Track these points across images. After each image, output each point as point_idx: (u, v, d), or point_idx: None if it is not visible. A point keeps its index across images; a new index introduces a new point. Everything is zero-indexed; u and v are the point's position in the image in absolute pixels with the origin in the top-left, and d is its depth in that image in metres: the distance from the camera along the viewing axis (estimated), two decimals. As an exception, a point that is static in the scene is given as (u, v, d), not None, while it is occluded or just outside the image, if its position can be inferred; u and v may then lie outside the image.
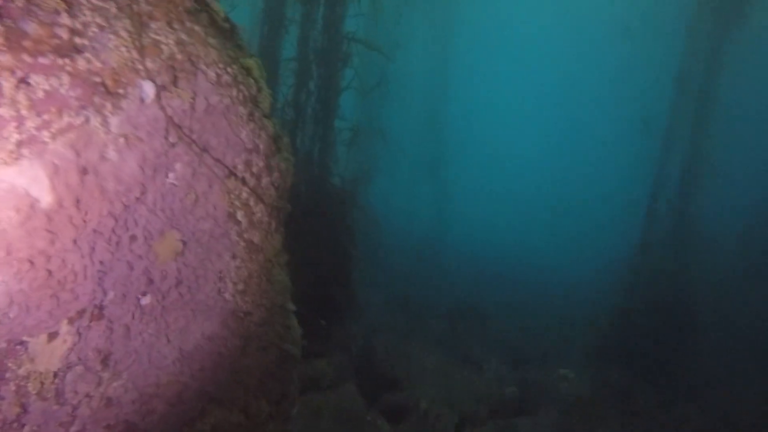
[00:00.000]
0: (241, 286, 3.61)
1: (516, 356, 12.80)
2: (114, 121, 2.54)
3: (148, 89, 2.57)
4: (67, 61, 2.29)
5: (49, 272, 2.51)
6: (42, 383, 2.62)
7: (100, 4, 2.44)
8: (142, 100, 2.58)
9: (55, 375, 2.67)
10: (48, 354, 2.65)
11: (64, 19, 2.29)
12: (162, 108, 2.66)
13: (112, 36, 2.47)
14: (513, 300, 18.31)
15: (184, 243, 3.20)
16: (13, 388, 2.51)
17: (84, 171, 2.48)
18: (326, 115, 8.83)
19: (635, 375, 11.97)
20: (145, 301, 3.14)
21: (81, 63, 2.35)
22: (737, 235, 20.51)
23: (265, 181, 3.49)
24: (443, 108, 23.33)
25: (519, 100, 53.82)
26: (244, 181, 3.35)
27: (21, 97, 2.17)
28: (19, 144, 2.21)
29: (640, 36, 29.88)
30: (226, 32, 3.26)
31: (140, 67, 2.52)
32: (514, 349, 13.36)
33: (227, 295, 3.54)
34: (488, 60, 46.66)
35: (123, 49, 2.49)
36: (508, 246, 27.41)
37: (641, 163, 15.43)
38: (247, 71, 3.23)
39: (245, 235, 3.51)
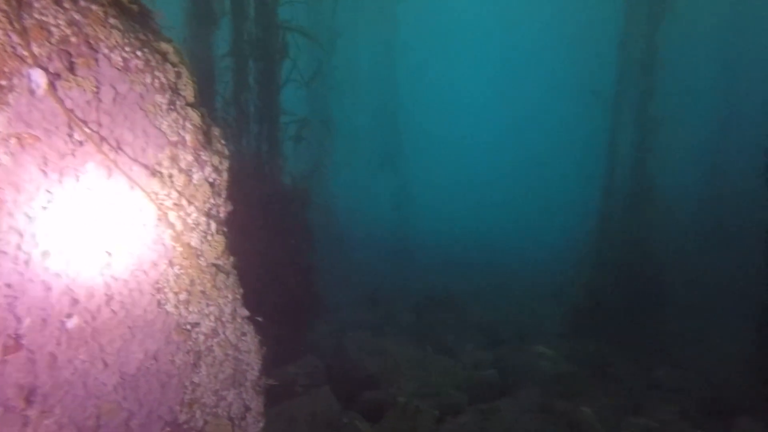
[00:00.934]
0: (183, 296, 3.28)
1: (491, 339, 12.71)
2: (0, 120, 2.18)
3: (38, 78, 2.22)
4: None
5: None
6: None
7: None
8: (32, 92, 2.22)
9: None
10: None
11: None
12: (59, 100, 2.31)
13: (-19, 17, 2.11)
14: (482, 284, 18.29)
15: (110, 254, 2.85)
16: None
17: (-35, 180, 2.12)
18: (269, 111, 8.46)
19: (610, 344, 12.03)
20: (71, 323, 2.77)
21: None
22: (695, 199, 21.02)
23: (196, 177, 3.16)
24: (394, 97, 23.10)
25: (470, 83, 54.02)
26: (171, 179, 3.01)
27: None
28: None
29: (584, 7, 30.26)
30: (133, 14, 2.91)
31: (24, 53, 2.17)
32: (489, 333, 13.28)
33: (169, 307, 3.21)
34: (436, 45, 46.64)
35: (-1, 32, 2.13)
36: (473, 231, 27.43)
37: (595, 136, 15.51)
38: (163, 56, 2.88)
39: (181, 239, 3.16)
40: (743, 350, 11.97)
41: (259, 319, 3.59)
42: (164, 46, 2.92)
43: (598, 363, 10.96)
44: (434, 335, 12.11)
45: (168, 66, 2.87)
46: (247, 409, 4.00)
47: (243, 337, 3.91)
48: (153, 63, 2.81)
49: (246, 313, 3.87)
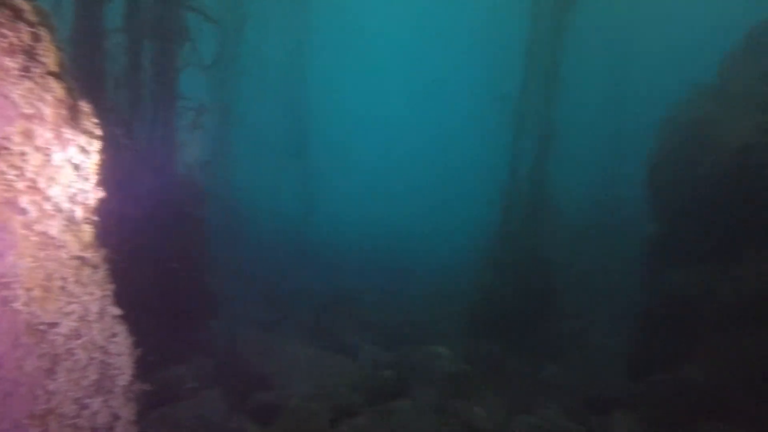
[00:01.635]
0: (37, 292, 2.87)
1: (390, 339, 12.72)
2: None
3: None
4: None
5: None
6: None
7: None
8: None
9: None
10: None
11: None
12: None
13: None
14: (384, 284, 18.33)
15: (-61, 242, 2.42)
16: None
17: None
18: (165, 95, 7.87)
19: (505, 344, 12.39)
20: None
21: None
22: (590, 204, 22.29)
23: (57, 157, 2.77)
24: (303, 88, 22.61)
25: (380, 83, 54.20)
26: (24, 157, 2.61)
27: None
28: None
29: (493, 13, 31.12)
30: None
31: None
32: (388, 332, 13.29)
33: (18, 305, 2.80)
34: (347, 37, 46.33)
35: None
36: (377, 230, 27.48)
37: (498, 140, 15.94)
38: (15, 13, 2.49)
39: (36, 227, 2.76)
40: (623, 348, 12.76)
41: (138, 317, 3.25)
42: (19, 2, 2.52)
43: (492, 363, 11.26)
44: (332, 335, 11.93)
45: (22, 25, 2.48)
46: (116, 418, 3.62)
47: (112, 339, 3.53)
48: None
49: (117, 311, 3.50)
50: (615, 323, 13.74)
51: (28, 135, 2.58)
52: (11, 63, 2.42)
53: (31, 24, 2.56)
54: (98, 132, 2.97)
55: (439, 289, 17.83)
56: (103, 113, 3.44)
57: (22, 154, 2.57)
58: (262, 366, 8.80)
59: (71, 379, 3.21)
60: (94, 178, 3.00)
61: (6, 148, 2.47)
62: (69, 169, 2.83)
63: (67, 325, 3.09)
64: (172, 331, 7.23)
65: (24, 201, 2.64)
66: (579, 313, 14.94)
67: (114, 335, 3.50)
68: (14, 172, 2.56)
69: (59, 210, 2.86)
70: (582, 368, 12.46)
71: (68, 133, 2.77)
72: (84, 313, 3.23)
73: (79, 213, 2.99)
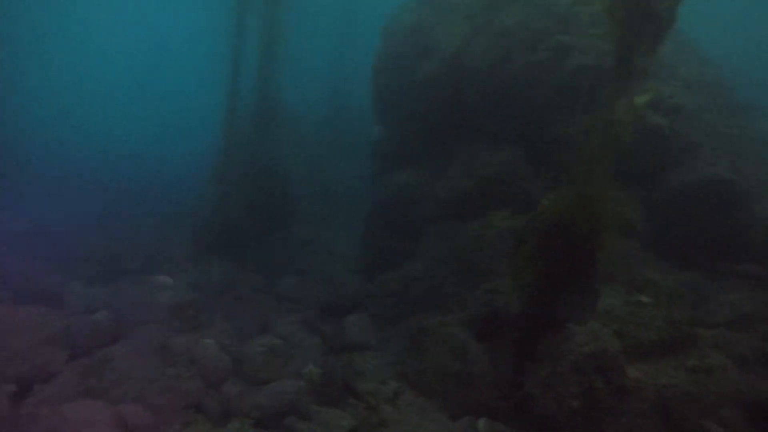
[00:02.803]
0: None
1: (110, 271, 11.08)
2: None
3: None
4: None
5: None
6: None
7: None
8: None
9: None
10: None
11: None
12: None
13: None
14: (112, 210, 16.06)
15: None
16: None
17: None
18: None
19: (239, 263, 11.79)
20: None
21: None
22: (321, 117, 22.21)
23: None
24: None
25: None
26: None
27: None
28: None
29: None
30: None
31: None
32: (108, 264, 11.55)
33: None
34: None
35: None
36: (104, 154, 24.31)
37: (223, 57, 14.59)
38: None
39: None
40: (356, 252, 13.22)
41: None
42: None
43: (224, 285, 10.60)
44: (28, 279, 9.86)
45: None
46: None
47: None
48: None
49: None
50: (350, 228, 14.10)
51: None
52: None
53: None
54: None
55: (170, 211, 16.27)
56: None
57: None
58: None
59: None
60: None
61: None
62: None
63: None
64: None
65: None
66: (316, 221, 14.99)
67: None
68: None
69: None
70: (318, 276, 12.58)
71: None
72: None
73: None
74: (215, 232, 12.11)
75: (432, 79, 11.44)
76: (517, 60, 10.19)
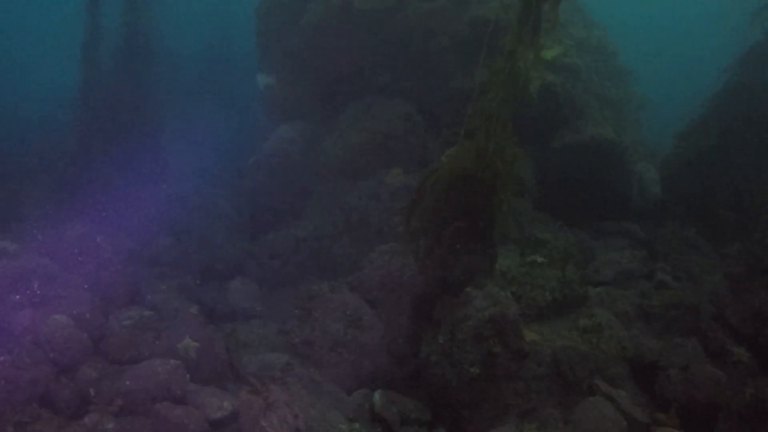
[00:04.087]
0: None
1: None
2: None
3: None
4: None
5: None
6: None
7: None
8: None
9: None
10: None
11: None
12: None
13: None
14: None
15: None
16: None
17: None
18: None
19: (102, 222, 10.41)
20: None
21: None
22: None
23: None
24: None
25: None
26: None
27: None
28: None
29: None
30: None
31: None
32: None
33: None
34: None
35: None
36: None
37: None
38: None
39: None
40: (238, 213, 12.24)
41: None
42: None
43: (85, 249, 9.26)
44: None
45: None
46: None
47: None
48: None
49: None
50: (231, 185, 13.01)
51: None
52: None
53: None
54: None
55: (22, 164, 14.09)
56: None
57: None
58: None
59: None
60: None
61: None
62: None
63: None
64: None
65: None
66: (190, 175, 13.68)
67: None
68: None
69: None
70: (196, 237, 11.50)
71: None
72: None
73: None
74: (75, 186, 10.53)
75: (320, 25, 10.53)
76: (414, 6, 9.57)
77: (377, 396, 5.96)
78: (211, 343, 6.59)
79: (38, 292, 6.79)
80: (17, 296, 6.59)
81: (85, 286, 7.73)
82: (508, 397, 5.83)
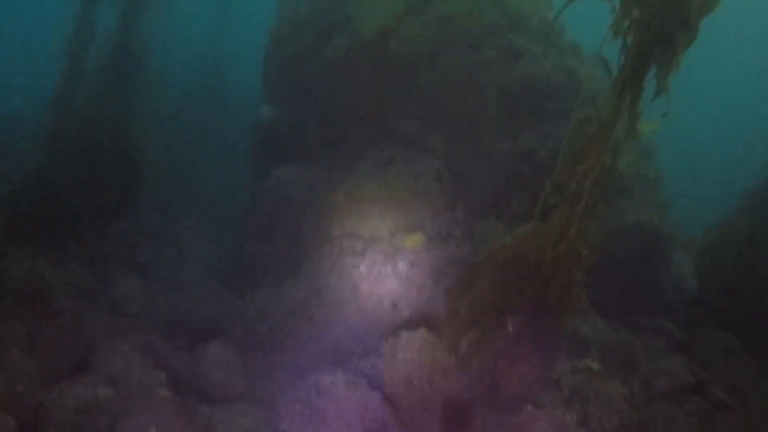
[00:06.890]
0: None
1: None
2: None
3: None
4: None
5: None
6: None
7: None
8: None
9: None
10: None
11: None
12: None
13: None
14: None
15: None
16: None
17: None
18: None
19: (57, 256, 8.71)
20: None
21: None
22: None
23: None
24: None
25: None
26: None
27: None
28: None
29: None
30: None
31: None
32: None
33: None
34: None
35: None
36: None
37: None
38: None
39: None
40: (220, 254, 10.73)
41: None
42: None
43: (32, 290, 7.57)
44: None
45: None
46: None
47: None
48: None
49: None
50: (214, 225, 11.49)
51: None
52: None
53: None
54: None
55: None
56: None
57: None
58: None
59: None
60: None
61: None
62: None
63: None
64: None
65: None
66: (169, 210, 12.11)
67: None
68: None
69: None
70: (168, 280, 9.90)
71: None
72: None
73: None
74: (27, 211, 8.79)
75: (345, 60, 9.34)
76: (457, 54, 8.45)
77: None
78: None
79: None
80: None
81: (26, 343, 6.07)
82: None
